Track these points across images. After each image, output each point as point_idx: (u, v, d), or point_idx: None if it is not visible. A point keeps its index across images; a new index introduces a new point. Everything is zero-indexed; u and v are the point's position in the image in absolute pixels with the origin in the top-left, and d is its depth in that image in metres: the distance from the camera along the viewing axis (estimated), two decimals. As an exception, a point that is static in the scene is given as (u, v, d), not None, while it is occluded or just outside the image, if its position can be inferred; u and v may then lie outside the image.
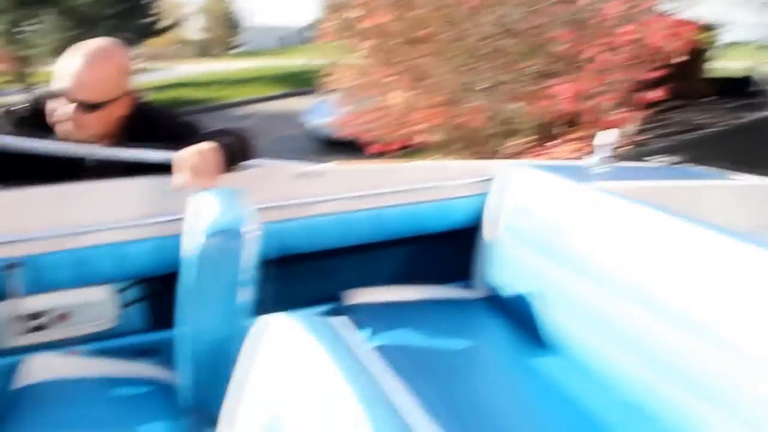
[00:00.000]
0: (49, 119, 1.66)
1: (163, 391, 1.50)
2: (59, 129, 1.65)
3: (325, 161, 2.01)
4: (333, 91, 6.04)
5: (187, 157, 1.52)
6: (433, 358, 1.71)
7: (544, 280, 1.82)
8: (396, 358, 1.13)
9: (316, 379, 0.80)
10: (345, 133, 5.97)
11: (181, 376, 1.31)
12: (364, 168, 2.05)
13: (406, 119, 5.49)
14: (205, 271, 1.24)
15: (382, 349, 1.65)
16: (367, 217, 2.01)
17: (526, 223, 1.95)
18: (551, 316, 1.78)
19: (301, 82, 14.04)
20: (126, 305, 1.82)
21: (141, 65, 16.10)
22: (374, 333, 1.75)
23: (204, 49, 33.39)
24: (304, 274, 2.01)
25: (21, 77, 13.90)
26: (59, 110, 1.63)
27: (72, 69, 1.58)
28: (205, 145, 1.56)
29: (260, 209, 1.63)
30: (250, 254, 1.26)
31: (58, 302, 1.72)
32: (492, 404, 1.58)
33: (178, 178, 1.53)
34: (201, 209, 1.35)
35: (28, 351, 1.70)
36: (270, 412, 0.86)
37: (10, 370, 1.61)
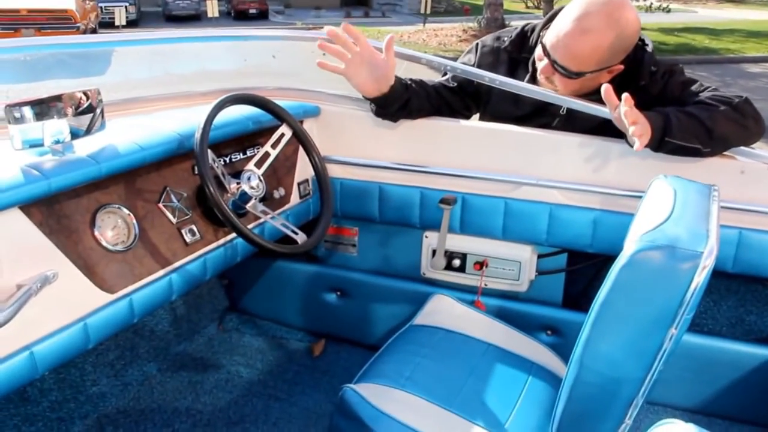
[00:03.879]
0: (533, 60, 1.54)
1: (546, 390, 1.30)
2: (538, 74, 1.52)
3: None
4: None
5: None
6: None
7: None
8: None
9: None
10: None
11: (563, 394, 1.08)
12: None
13: None
14: (629, 288, 0.95)
15: None
16: None
17: None
18: None
19: None
20: (542, 273, 1.66)
21: (661, 4, 15.37)
22: None
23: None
24: (756, 300, 1.63)
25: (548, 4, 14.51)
26: (539, 62, 1.49)
27: (561, 29, 1.41)
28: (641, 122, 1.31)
29: (726, 208, 1.35)
30: (698, 283, 0.90)
31: (480, 248, 1.66)
32: None
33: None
34: (658, 199, 1.05)
35: (436, 285, 1.71)
36: None
37: (416, 298, 1.63)
